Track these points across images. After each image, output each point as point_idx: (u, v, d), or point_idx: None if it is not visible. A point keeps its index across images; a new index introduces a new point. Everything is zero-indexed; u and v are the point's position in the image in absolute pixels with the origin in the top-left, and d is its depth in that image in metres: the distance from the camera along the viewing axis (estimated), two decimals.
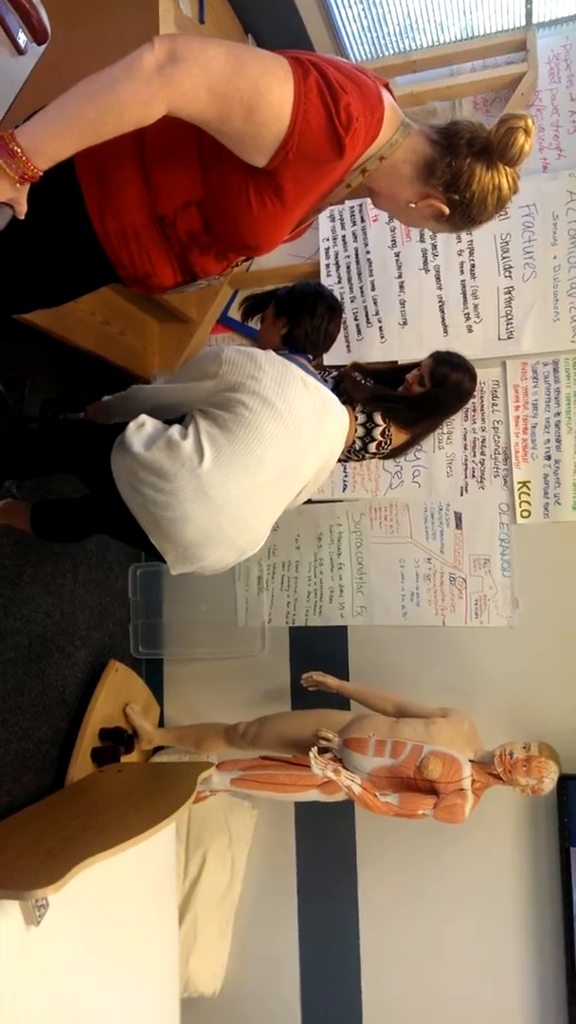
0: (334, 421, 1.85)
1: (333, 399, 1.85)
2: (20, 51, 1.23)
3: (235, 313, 2.65)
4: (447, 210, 1.33)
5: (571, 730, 2.46)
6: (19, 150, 1.05)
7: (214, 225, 1.30)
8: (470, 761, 2.24)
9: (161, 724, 2.93)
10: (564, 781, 2.30)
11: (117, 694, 2.67)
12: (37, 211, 1.15)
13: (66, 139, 1.07)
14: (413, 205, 1.34)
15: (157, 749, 2.80)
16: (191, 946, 2.59)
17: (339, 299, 2.07)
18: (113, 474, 1.66)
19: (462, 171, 1.29)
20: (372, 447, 2.18)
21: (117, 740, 2.59)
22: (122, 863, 1.79)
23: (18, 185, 1.08)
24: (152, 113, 1.09)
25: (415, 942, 2.60)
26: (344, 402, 1.98)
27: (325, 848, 2.72)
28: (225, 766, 2.47)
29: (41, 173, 1.09)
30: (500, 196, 1.32)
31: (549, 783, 2.19)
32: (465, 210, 1.33)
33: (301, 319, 1.92)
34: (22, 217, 1.13)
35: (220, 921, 2.67)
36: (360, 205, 2.76)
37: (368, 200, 2.73)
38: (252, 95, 1.11)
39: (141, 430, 1.66)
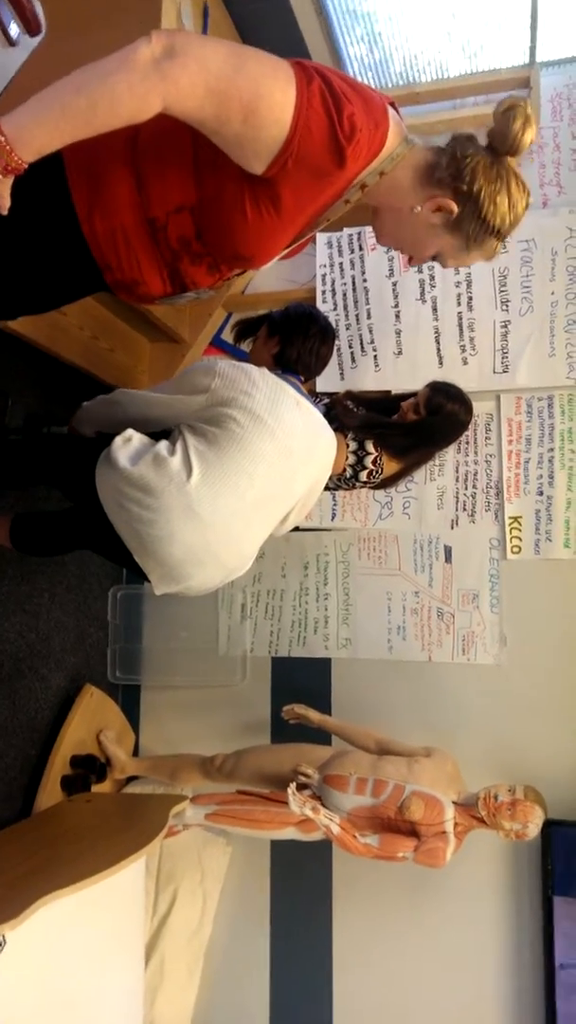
0: (325, 444, 1.82)
1: (324, 423, 1.82)
2: (11, 42, 1.19)
3: (228, 336, 2.62)
4: (455, 206, 1.26)
5: (557, 773, 2.40)
6: (3, 139, 1.01)
7: (207, 233, 1.25)
8: (453, 803, 2.17)
9: (136, 753, 2.84)
10: (549, 826, 2.24)
11: (91, 720, 2.59)
12: (21, 207, 1.10)
13: (54, 130, 1.03)
14: (419, 209, 1.28)
15: (130, 779, 2.71)
16: (157, 987, 2.48)
17: (334, 325, 2.04)
18: (97, 489, 1.61)
19: (466, 160, 1.24)
20: (363, 475, 2.15)
21: (89, 768, 2.50)
22: (87, 898, 1.71)
23: (1, 177, 1.04)
24: (146, 109, 1.06)
25: (390, 989, 2.51)
26: (336, 429, 1.95)
27: (301, 888, 2.64)
28: (200, 800, 2.39)
29: (26, 166, 1.04)
30: (510, 194, 1.25)
31: (534, 828, 2.12)
32: (475, 206, 1.25)
33: (293, 339, 1.89)
34: (4, 212, 1.08)
35: (189, 961, 2.57)
36: (359, 233, 2.76)
37: (367, 228, 2.75)
38: (252, 96, 1.08)
39: (127, 445, 1.62)
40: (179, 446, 1.60)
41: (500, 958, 2.44)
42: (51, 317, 2.20)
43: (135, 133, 1.19)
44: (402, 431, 2.17)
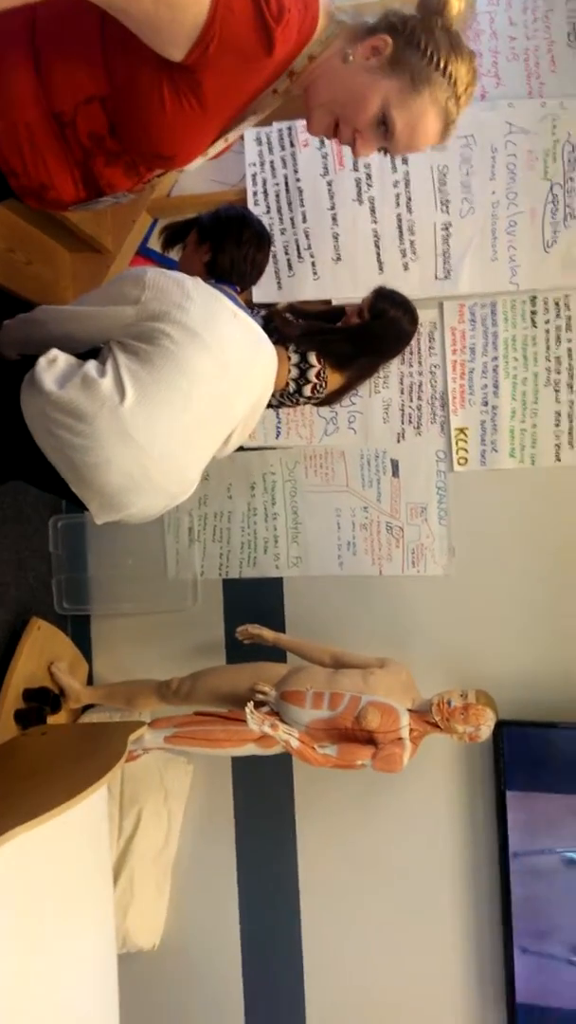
0: (265, 359, 1.74)
1: (264, 336, 1.74)
2: None
3: (155, 243, 2.47)
4: (389, 39, 1.15)
5: (506, 677, 2.45)
6: None
7: (121, 127, 1.13)
8: (408, 710, 2.21)
9: (90, 682, 2.82)
10: (500, 727, 2.30)
11: (41, 653, 2.54)
12: None
13: None
14: (351, 56, 1.16)
15: (86, 708, 2.69)
16: (128, 903, 2.54)
17: (268, 230, 1.93)
18: (24, 416, 1.51)
19: (393, 10, 1.16)
20: (307, 390, 2.08)
21: (42, 700, 2.47)
22: (49, 830, 1.69)
23: None
24: None
25: (355, 890, 2.61)
26: (275, 342, 1.87)
27: (263, 801, 2.69)
28: (158, 724, 2.39)
29: None
30: (449, 35, 1.15)
31: (486, 730, 2.18)
32: (410, 38, 1.15)
33: (226, 245, 1.78)
34: None
35: (157, 877, 2.63)
36: (289, 128, 2.58)
37: (299, 123, 2.58)
38: None
39: (53, 366, 1.51)
40: (109, 366, 1.50)
41: (458, 851, 2.55)
42: None
43: (32, 14, 1.05)
44: (345, 336, 2.09)
